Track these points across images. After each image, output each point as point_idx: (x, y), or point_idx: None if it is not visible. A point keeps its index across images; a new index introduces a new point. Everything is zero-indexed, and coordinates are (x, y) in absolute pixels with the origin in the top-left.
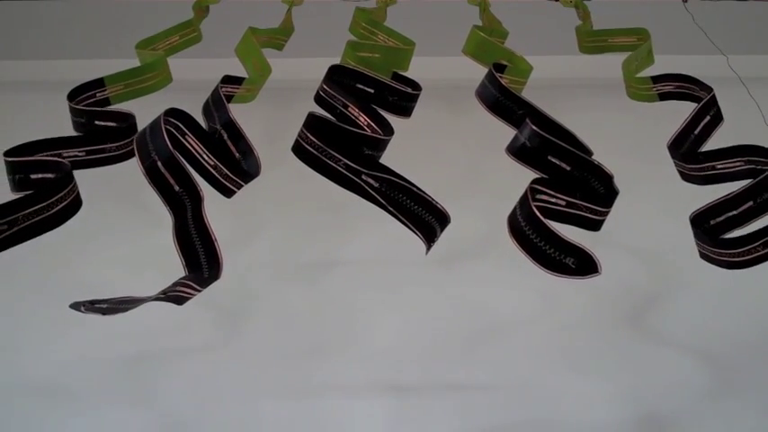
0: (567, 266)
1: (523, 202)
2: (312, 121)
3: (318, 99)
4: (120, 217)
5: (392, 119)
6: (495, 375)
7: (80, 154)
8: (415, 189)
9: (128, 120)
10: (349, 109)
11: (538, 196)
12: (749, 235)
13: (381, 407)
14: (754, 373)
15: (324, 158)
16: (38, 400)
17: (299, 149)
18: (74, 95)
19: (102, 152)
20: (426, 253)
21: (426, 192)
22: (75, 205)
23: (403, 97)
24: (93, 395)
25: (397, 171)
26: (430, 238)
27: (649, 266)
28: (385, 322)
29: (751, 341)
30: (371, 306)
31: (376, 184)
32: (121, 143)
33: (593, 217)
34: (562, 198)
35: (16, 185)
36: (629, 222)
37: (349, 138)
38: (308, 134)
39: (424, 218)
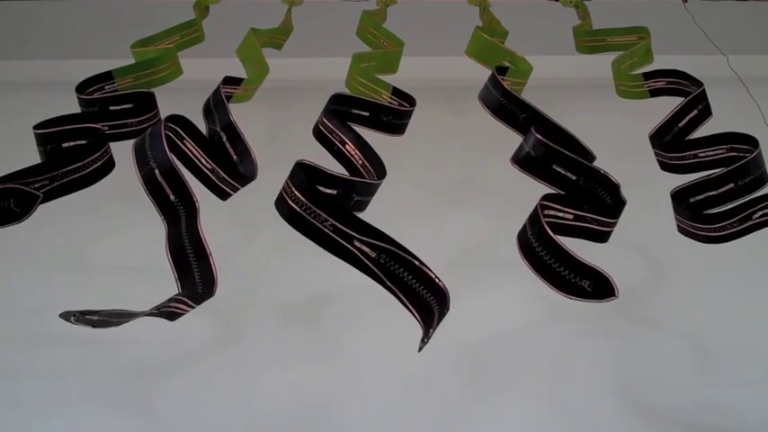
0: (583, 290)
1: (534, 220)
2: (298, 173)
3: (317, 133)
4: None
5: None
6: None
7: (103, 128)
8: (416, 262)
9: (145, 97)
10: (346, 146)
11: (545, 212)
12: (726, 211)
13: None
14: (754, 369)
15: (308, 217)
16: (35, 408)
17: (281, 206)
18: (82, 88)
19: (123, 127)
20: (419, 350)
21: (429, 265)
22: (108, 166)
23: (397, 115)
24: (89, 403)
25: (397, 172)
26: (428, 324)
27: (647, 261)
28: (385, 329)
29: (752, 337)
30: (372, 317)
31: (373, 254)
32: (142, 118)
33: (601, 228)
34: (570, 212)
35: (48, 155)
36: (631, 221)
37: (338, 184)
38: (293, 188)
39: (425, 297)
